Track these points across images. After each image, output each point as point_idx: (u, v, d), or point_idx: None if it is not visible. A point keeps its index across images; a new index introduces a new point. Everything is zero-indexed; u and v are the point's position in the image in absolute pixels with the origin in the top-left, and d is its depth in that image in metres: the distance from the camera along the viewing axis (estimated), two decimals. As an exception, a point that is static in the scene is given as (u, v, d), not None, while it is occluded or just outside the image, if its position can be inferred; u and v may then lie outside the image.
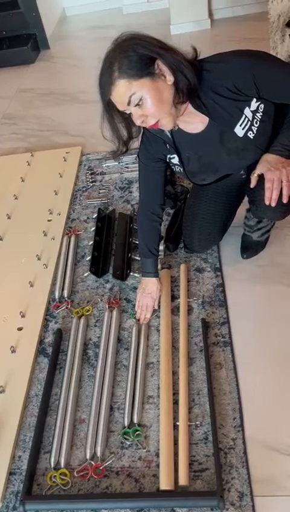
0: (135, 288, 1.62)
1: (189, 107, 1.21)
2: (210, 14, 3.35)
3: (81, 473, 1.18)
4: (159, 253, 1.61)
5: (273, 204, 1.25)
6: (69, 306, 1.61)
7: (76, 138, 2.49)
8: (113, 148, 1.27)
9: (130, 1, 3.74)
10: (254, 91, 1.17)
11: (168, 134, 1.32)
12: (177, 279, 1.61)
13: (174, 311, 1.52)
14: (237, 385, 1.30)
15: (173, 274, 1.64)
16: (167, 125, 1.18)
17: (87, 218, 1.95)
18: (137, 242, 1.77)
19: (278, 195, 1.24)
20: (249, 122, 1.23)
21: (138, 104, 1.11)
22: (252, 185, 1.30)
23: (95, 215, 1.91)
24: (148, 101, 1.10)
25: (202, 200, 1.56)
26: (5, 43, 3.46)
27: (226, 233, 1.66)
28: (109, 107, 1.16)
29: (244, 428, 1.21)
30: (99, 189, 2.09)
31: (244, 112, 1.21)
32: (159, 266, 1.63)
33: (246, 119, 1.22)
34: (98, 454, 1.21)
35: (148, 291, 1.52)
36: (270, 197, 1.25)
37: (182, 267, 1.63)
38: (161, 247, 1.68)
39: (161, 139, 1.35)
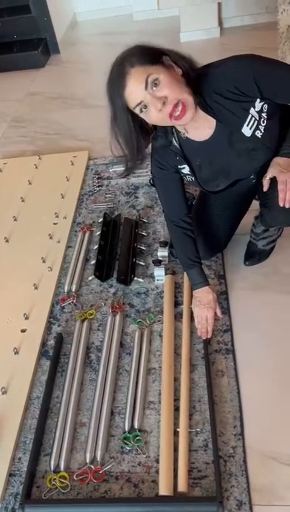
0: (139, 293, 1.63)
1: (198, 111, 1.20)
2: (220, 23, 3.38)
3: (81, 477, 1.19)
4: (193, 261, 1.48)
5: (287, 206, 1.27)
6: (75, 301, 1.63)
7: (83, 143, 2.50)
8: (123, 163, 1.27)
9: (141, 8, 3.77)
10: (255, 90, 1.18)
11: (177, 144, 1.33)
12: (181, 286, 1.62)
13: (177, 317, 1.52)
14: (239, 393, 1.30)
15: (177, 280, 1.64)
16: (189, 106, 1.13)
17: (93, 222, 1.96)
18: (142, 247, 1.78)
19: None
20: (256, 122, 1.23)
21: (155, 85, 1.08)
22: (265, 189, 1.32)
23: (100, 220, 1.93)
24: (165, 80, 1.09)
25: (208, 207, 1.57)
26: (16, 46, 3.49)
27: (231, 241, 1.67)
28: (122, 111, 1.15)
29: (244, 437, 1.21)
30: (106, 193, 2.10)
31: (250, 112, 1.22)
32: (164, 272, 1.63)
33: (253, 118, 1.23)
34: (98, 458, 1.21)
35: (204, 303, 1.45)
36: (284, 198, 1.26)
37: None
38: (165, 253, 1.69)
39: (170, 150, 1.34)
